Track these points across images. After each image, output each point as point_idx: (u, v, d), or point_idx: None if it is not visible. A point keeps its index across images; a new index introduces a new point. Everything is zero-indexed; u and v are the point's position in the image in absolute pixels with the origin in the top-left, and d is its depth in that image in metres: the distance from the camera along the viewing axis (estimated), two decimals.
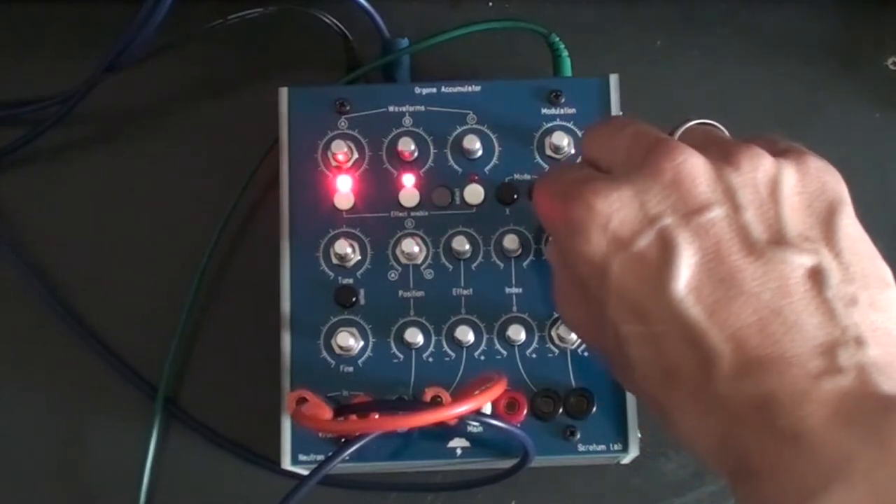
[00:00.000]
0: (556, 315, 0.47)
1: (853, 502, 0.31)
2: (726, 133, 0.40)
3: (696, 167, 0.36)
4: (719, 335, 0.34)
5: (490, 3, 0.58)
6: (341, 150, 0.48)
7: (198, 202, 0.55)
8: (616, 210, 0.36)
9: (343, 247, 0.48)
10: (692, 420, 0.35)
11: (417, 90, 0.50)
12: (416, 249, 0.48)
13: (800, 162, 0.37)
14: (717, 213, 0.36)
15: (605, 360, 0.40)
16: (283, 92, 0.50)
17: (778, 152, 0.37)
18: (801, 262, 0.35)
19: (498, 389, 0.44)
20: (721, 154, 0.37)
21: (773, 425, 0.33)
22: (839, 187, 0.37)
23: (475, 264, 0.48)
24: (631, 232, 0.36)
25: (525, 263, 0.48)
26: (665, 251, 0.35)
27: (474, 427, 0.47)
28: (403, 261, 0.48)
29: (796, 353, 0.34)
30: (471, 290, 0.48)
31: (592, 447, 0.47)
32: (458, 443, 0.47)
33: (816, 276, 0.35)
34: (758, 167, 0.36)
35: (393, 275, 0.48)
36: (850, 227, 0.37)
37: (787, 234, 0.36)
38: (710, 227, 0.35)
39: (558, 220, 0.38)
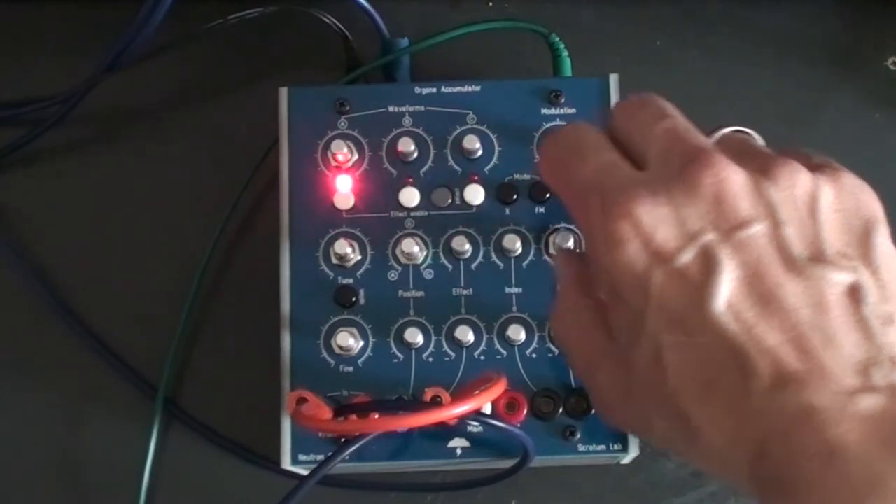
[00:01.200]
0: None
1: None
2: (761, 141, 0.40)
3: (736, 183, 0.36)
4: (758, 349, 0.35)
5: (490, 3, 0.58)
6: (341, 150, 0.48)
7: (198, 202, 0.55)
8: (659, 223, 0.36)
9: (343, 247, 0.48)
10: (725, 433, 0.36)
11: (417, 90, 0.50)
12: (416, 249, 0.48)
13: (836, 178, 0.37)
14: (758, 229, 0.36)
15: (603, 393, 0.40)
16: (283, 92, 0.50)
17: (813, 167, 0.38)
18: (839, 279, 0.35)
19: (498, 389, 0.44)
20: (759, 167, 0.37)
21: (810, 440, 0.33)
22: (874, 205, 0.38)
23: (475, 264, 0.48)
24: (674, 247, 0.36)
25: (525, 263, 0.48)
26: (707, 267, 0.36)
27: (474, 427, 0.47)
28: (403, 261, 0.48)
29: (833, 370, 0.34)
30: (471, 290, 0.48)
31: (592, 447, 0.47)
32: (458, 443, 0.47)
33: (854, 294, 0.35)
34: (796, 183, 0.37)
35: (393, 275, 0.48)
36: (886, 245, 0.37)
37: (826, 251, 0.36)
38: (751, 242, 0.36)
39: (594, 219, 0.38)
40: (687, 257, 0.36)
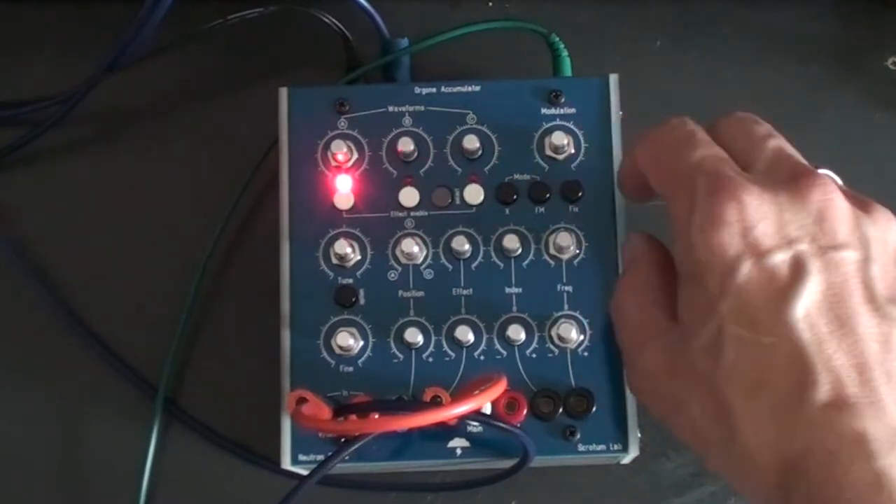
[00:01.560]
0: (556, 315, 0.47)
1: None
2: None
3: (842, 208, 0.38)
4: (823, 364, 0.36)
5: (490, 3, 0.58)
6: (341, 150, 0.48)
7: (198, 202, 0.55)
8: (763, 217, 0.38)
9: (343, 247, 0.48)
10: (765, 433, 0.37)
11: (417, 90, 0.50)
12: (416, 249, 0.48)
13: None
14: (852, 255, 0.38)
15: (646, 366, 0.41)
16: (283, 92, 0.50)
17: None
18: None
19: (498, 389, 0.44)
20: (859, 204, 0.39)
21: (860, 464, 0.35)
22: None
23: (475, 264, 0.48)
24: (771, 244, 0.38)
25: (525, 263, 0.48)
26: (796, 273, 0.37)
27: (474, 427, 0.47)
28: (403, 261, 0.48)
29: (889, 406, 0.36)
30: (471, 290, 0.48)
31: (592, 447, 0.47)
32: (458, 443, 0.47)
33: None
34: (891, 229, 0.39)
35: (393, 275, 0.48)
36: None
37: None
38: (843, 265, 0.38)
39: (697, 199, 0.39)
40: (780, 258, 0.38)
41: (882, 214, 0.39)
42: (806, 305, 0.37)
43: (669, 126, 0.43)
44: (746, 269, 0.38)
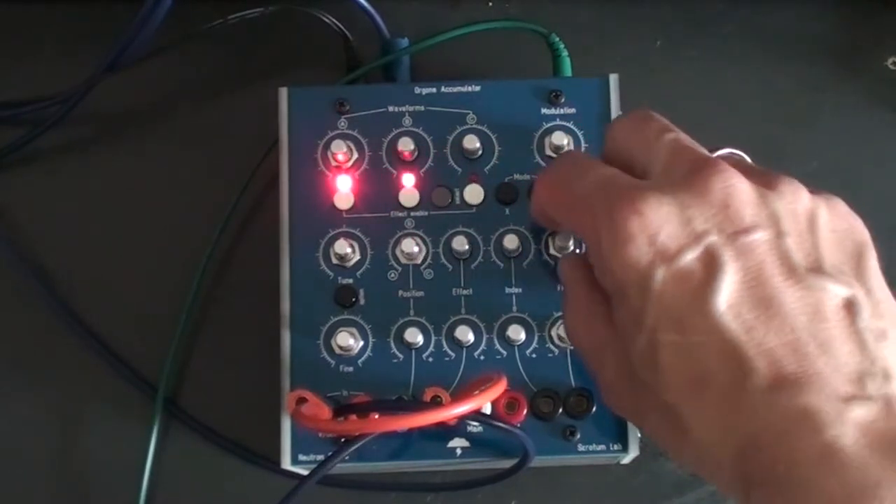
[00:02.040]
0: (556, 315, 0.47)
1: None
2: (750, 162, 0.42)
3: (744, 190, 0.38)
4: (756, 350, 0.36)
5: (490, 3, 0.58)
6: (341, 150, 0.48)
7: (198, 202, 0.55)
8: (666, 222, 0.37)
9: (343, 247, 0.48)
10: (716, 429, 0.37)
11: (417, 90, 0.50)
12: (416, 249, 0.48)
13: (831, 203, 0.39)
14: (762, 236, 0.37)
15: (609, 380, 0.42)
16: (283, 92, 0.50)
17: (810, 190, 0.39)
18: (837, 291, 0.37)
19: (498, 389, 0.44)
20: (763, 181, 0.38)
21: (806, 440, 0.34)
22: (865, 232, 0.39)
23: (475, 264, 0.48)
24: (678, 245, 0.37)
25: (525, 263, 0.48)
26: (710, 267, 0.37)
27: (474, 427, 0.47)
28: (403, 261, 0.48)
29: (829, 375, 0.35)
30: (471, 290, 0.48)
31: (592, 447, 0.47)
32: (458, 443, 0.47)
33: (850, 307, 0.37)
34: (798, 198, 0.38)
35: (393, 275, 0.48)
36: (877, 269, 0.39)
37: (824, 264, 0.37)
38: (755, 248, 0.37)
39: (599, 222, 0.39)
40: (690, 257, 0.37)
41: (787, 186, 0.38)
42: (726, 297, 0.36)
43: (557, 162, 0.44)
44: (660, 275, 0.37)
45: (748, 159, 0.42)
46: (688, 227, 0.37)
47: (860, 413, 0.34)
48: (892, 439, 0.34)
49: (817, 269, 0.37)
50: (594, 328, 0.42)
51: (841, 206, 0.39)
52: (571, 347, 0.47)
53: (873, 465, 0.33)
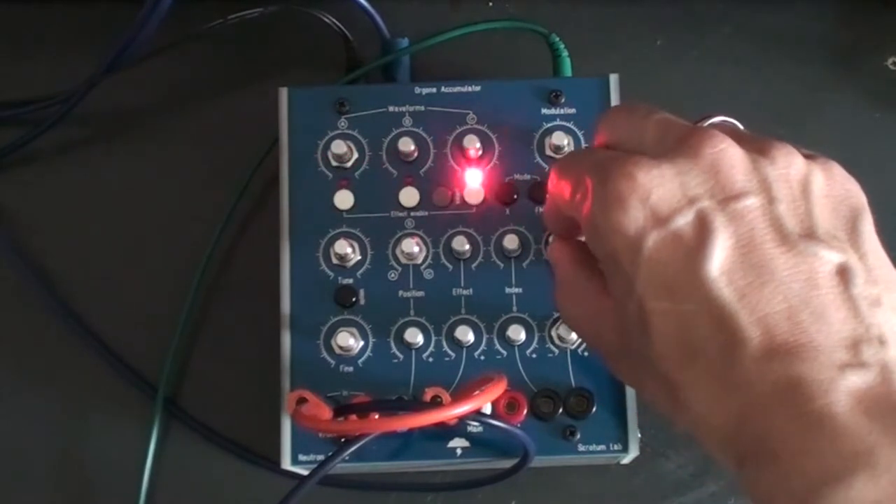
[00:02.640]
0: (556, 315, 0.47)
1: (876, 492, 0.32)
2: (742, 129, 0.41)
3: (735, 156, 0.37)
4: (748, 318, 0.35)
5: (490, 3, 0.58)
6: (341, 150, 0.48)
7: (198, 202, 0.55)
8: (657, 185, 0.37)
9: (343, 247, 0.48)
10: (709, 399, 0.36)
11: (417, 90, 0.50)
12: (416, 249, 0.48)
13: (826, 167, 0.38)
14: (753, 202, 0.37)
15: (609, 350, 0.41)
16: (283, 92, 0.50)
17: (805, 155, 0.39)
18: (830, 257, 0.36)
19: (498, 389, 0.44)
20: (756, 147, 0.38)
21: (799, 409, 0.34)
22: (861, 196, 0.39)
23: (475, 264, 0.48)
24: (669, 209, 0.37)
25: (525, 263, 0.48)
26: (702, 232, 0.36)
27: (474, 427, 0.47)
28: (403, 261, 0.48)
29: (823, 343, 0.35)
30: (471, 290, 0.48)
31: (592, 447, 0.47)
32: (458, 443, 0.47)
33: (844, 274, 0.36)
34: (791, 164, 0.38)
35: (393, 275, 0.48)
36: (872, 234, 0.38)
37: (817, 230, 0.37)
38: (746, 213, 0.37)
39: (592, 191, 0.38)
40: (682, 220, 0.37)
41: (780, 151, 0.38)
42: (719, 262, 0.36)
43: (560, 158, 0.44)
44: (652, 239, 0.37)
45: (740, 126, 0.41)
46: (679, 191, 0.37)
47: (854, 380, 0.34)
48: (887, 405, 0.34)
49: (810, 235, 0.37)
50: (585, 302, 0.42)
51: (836, 170, 0.39)
52: (572, 347, 0.47)
53: (868, 431, 0.33)
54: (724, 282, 0.36)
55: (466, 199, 0.49)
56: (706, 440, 0.37)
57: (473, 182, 0.49)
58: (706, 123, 0.41)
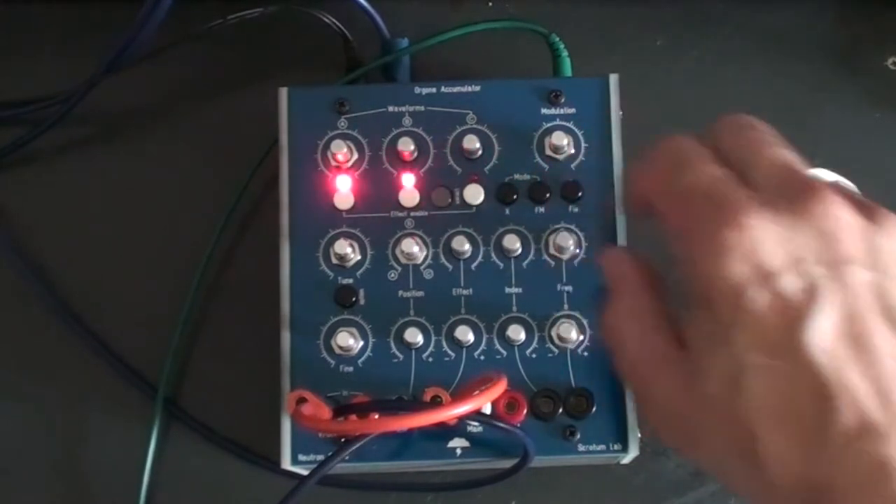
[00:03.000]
0: (556, 315, 0.47)
1: None
2: (857, 192, 0.41)
3: (849, 224, 0.37)
4: (843, 390, 0.35)
5: (490, 3, 0.58)
6: (341, 150, 0.48)
7: (198, 202, 0.55)
8: (767, 241, 0.37)
9: (343, 247, 0.48)
10: (790, 465, 0.35)
11: (417, 90, 0.50)
12: (416, 249, 0.48)
13: None
14: (863, 273, 0.36)
15: (658, 394, 0.40)
16: (283, 92, 0.50)
17: None
18: None
19: (498, 389, 0.44)
20: (871, 217, 0.38)
21: (881, 489, 0.33)
22: None
23: (475, 264, 0.48)
24: (777, 267, 0.36)
25: (525, 263, 0.48)
26: (808, 295, 0.36)
27: (474, 427, 0.47)
28: (403, 261, 0.48)
29: None
30: (471, 290, 0.48)
31: (592, 447, 0.47)
32: (458, 443, 0.47)
33: None
34: None
35: (393, 275, 0.48)
36: None
37: None
38: (855, 283, 0.36)
39: (698, 227, 0.38)
40: (789, 281, 0.36)
41: (892, 222, 0.38)
42: (821, 329, 0.35)
43: (662, 150, 0.41)
44: (756, 295, 0.36)
45: (855, 189, 0.41)
46: (789, 249, 0.36)
47: None
48: None
49: None
50: (653, 341, 0.40)
51: None
52: (571, 347, 0.47)
53: None
54: (824, 350, 0.35)
55: (466, 199, 0.49)
56: (770, 497, 0.36)
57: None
58: (819, 177, 0.40)
